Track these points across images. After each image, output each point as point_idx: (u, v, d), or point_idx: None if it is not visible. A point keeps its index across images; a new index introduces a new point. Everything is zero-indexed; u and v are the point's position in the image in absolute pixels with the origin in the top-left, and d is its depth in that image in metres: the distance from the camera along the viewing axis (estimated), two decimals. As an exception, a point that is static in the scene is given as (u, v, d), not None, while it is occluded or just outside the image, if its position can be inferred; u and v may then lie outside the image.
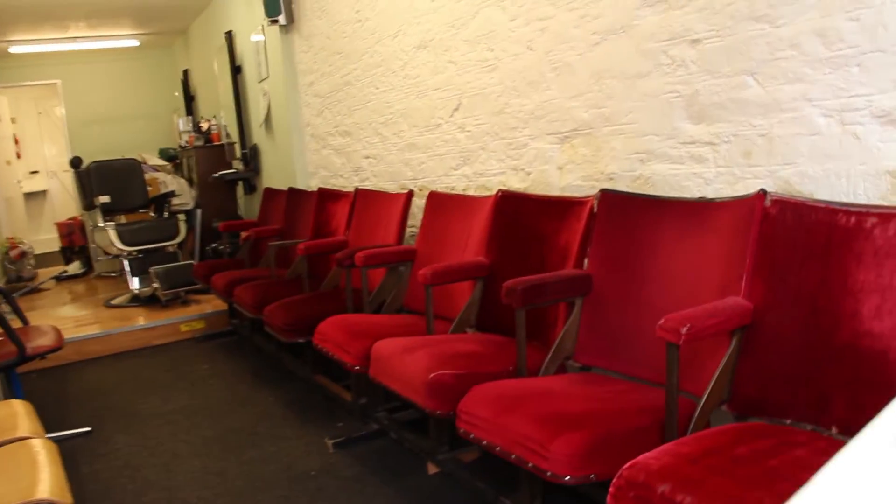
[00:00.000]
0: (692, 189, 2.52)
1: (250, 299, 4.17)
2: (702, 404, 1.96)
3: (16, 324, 4.06)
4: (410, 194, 3.82)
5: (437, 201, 3.57)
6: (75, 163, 6.88)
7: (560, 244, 2.76)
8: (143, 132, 9.41)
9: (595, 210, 2.61)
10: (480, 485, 2.59)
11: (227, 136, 7.06)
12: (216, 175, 6.82)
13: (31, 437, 2.39)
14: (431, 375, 2.35)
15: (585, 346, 2.51)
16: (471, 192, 3.66)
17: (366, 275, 3.49)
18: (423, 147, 4.07)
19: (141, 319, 5.69)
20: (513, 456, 1.96)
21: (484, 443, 2.07)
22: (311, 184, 5.67)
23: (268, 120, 6.24)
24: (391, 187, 4.44)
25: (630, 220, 2.48)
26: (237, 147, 6.97)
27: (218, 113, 7.38)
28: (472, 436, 2.12)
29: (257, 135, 6.64)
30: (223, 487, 3.09)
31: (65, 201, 11.28)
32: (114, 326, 5.50)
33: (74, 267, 8.25)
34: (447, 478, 2.97)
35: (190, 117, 8.18)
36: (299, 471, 3.17)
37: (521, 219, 2.97)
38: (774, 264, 2.00)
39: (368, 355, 2.85)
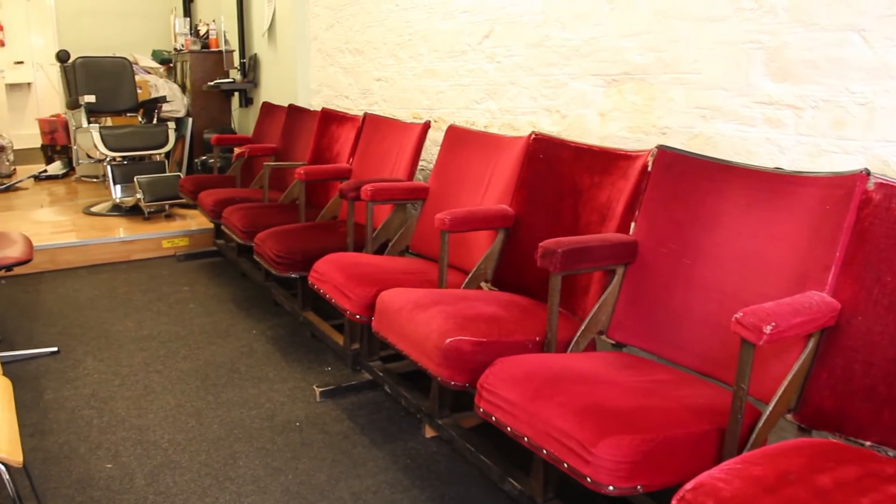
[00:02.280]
0: (762, 156, 2.20)
1: (240, 223, 3.84)
2: (768, 412, 1.68)
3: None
4: (427, 126, 3.47)
5: (457, 136, 3.23)
6: (62, 56, 6.41)
7: (599, 201, 2.44)
8: (137, 31, 8.88)
9: (649, 168, 2.28)
10: (485, 459, 2.32)
11: (226, 42, 6.60)
12: (211, 84, 6.39)
13: (-17, 370, 2.09)
14: (448, 341, 2.06)
15: (622, 321, 2.22)
16: (493, 130, 3.32)
17: (371, 210, 3.16)
18: (444, 75, 3.70)
19: (121, 231, 5.34)
20: (544, 451, 1.68)
21: (509, 429, 1.79)
22: (313, 102, 5.28)
23: (271, 29, 5.79)
24: (402, 115, 4.08)
25: (689, 185, 2.16)
26: (236, 55, 6.52)
27: (218, 17, 6.90)
28: (494, 418, 1.84)
29: (259, 44, 6.19)
30: (198, 432, 2.82)
31: (50, 96, 10.75)
32: (91, 236, 5.15)
33: (55, 167, 7.84)
34: (446, 445, 2.71)
35: (187, 19, 7.67)
36: (283, 420, 2.90)
37: (556, 167, 2.64)
38: (870, 260, 1.70)
39: (372, 305, 2.56)
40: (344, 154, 4.12)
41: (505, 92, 3.26)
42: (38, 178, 7.77)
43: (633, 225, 2.27)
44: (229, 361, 3.45)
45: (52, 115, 8.48)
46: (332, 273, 2.81)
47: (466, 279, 2.72)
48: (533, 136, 2.77)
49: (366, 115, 4.01)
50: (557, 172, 2.63)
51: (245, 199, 4.38)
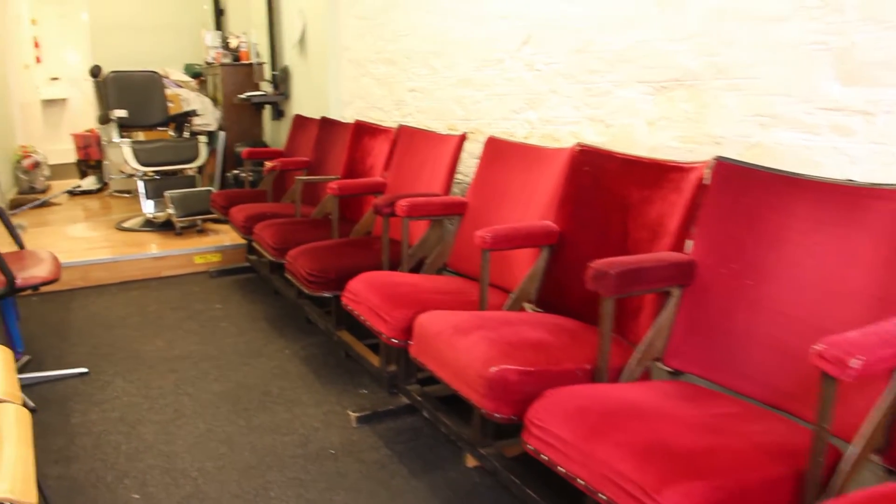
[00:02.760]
0: (830, 167, 2.03)
1: (271, 239, 3.74)
2: (853, 454, 1.51)
3: (13, 247, 3.66)
4: (463, 138, 3.33)
5: (497, 149, 3.08)
6: (95, 71, 6.38)
7: (649, 217, 2.29)
8: (169, 45, 8.86)
9: (706, 181, 2.12)
10: (532, 493, 2.17)
11: (257, 55, 6.53)
12: (242, 96, 6.32)
13: (2, 402, 1.98)
14: (493, 370, 1.91)
15: (680, 347, 2.06)
16: (533, 141, 3.17)
17: (407, 226, 3.03)
18: (480, 84, 3.56)
19: (153, 247, 5.27)
20: (602, 496, 1.52)
21: (562, 470, 1.64)
22: (346, 114, 5.18)
23: (302, 40, 5.71)
24: (437, 126, 3.95)
25: (752, 199, 2.00)
26: (266, 68, 6.45)
27: (248, 29, 6.85)
28: (545, 458, 1.69)
29: (289, 56, 6.12)
30: (228, 459, 2.70)
31: (86, 111, 10.80)
32: (123, 252, 5.09)
33: (89, 182, 7.83)
34: (488, 475, 2.56)
35: (219, 32, 7.64)
36: (317, 447, 2.77)
37: (602, 180, 2.48)
38: (965, 279, 1.53)
39: (410, 328, 2.42)
40: (378, 167, 4.00)
41: (545, 101, 3.11)
42: (72, 193, 7.77)
43: (688, 243, 2.11)
44: (262, 383, 3.34)
45: (86, 131, 8.49)
46: (366, 293, 2.68)
47: (509, 300, 2.57)
48: (578, 147, 2.62)
49: (400, 128, 3.89)
50: (604, 186, 2.47)
51: (277, 214, 4.27)
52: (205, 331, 4.02)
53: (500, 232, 2.48)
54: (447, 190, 3.30)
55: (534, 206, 2.74)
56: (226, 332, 4.01)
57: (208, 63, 7.21)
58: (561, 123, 3.03)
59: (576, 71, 2.93)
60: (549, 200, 2.64)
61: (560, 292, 2.54)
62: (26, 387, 3.33)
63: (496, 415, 1.92)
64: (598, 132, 2.84)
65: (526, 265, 2.63)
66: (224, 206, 4.71)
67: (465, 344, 2.06)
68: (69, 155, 8.88)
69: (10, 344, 3.70)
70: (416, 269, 3.18)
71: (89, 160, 8.34)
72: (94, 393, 3.28)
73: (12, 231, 3.52)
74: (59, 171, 9.68)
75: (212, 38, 7.26)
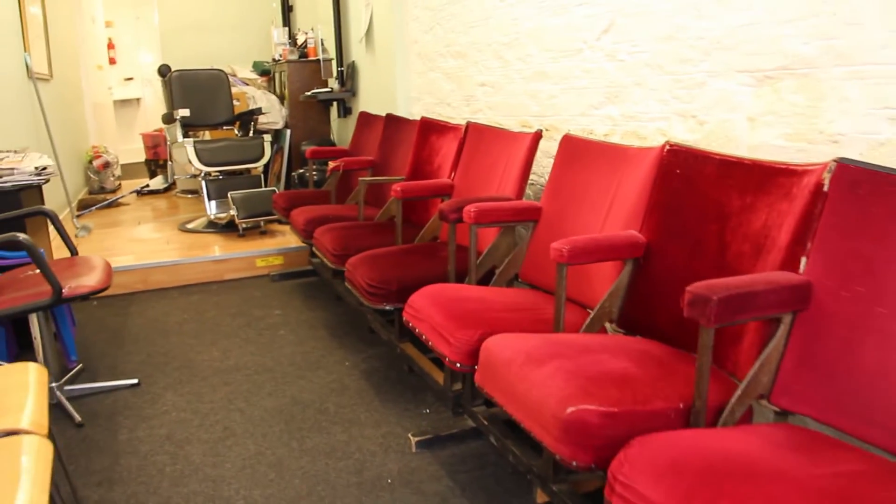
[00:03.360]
0: (982, 169, 1.68)
1: (331, 245, 3.52)
2: None
3: (65, 252, 3.53)
4: (538, 135, 3.04)
5: (574, 148, 2.79)
6: (163, 71, 6.31)
7: (752, 228, 1.97)
8: (238, 43, 8.79)
9: (825, 188, 1.79)
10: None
11: (324, 51, 6.35)
12: (308, 94, 6.15)
13: (25, 433, 1.79)
14: (569, 410, 1.63)
15: (791, 384, 1.74)
16: (614, 139, 2.87)
17: (475, 233, 2.77)
18: (556, 77, 3.27)
19: (215, 249, 5.13)
20: (707, 583, 1.23)
21: (655, 542, 1.35)
22: (413, 111, 4.94)
23: (369, 34, 5.49)
24: (509, 123, 3.67)
25: (884, 210, 1.66)
26: (333, 64, 6.27)
27: (316, 25, 6.68)
28: (633, 525, 1.40)
29: (356, 51, 5.92)
30: (277, 486, 2.48)
31: (157, 111, 10.90)
32: (184, 255, 4.96)
33: (157, 182, 7.80)
34: (562, 517, 2.27)
35: (286, 28, 7.51)
36: (373, 474, 2.53)
37: (696, 184, 2.17)
38: None
39: (476, 351, 2.15)
40: (445, 168, 3.74)
41: (629, 95, 2.80)
42: (140, 192, 7.75)
43: (803, 261, 1.78)
44: (318, 399, 3.12)
45: (155, 130, 8.49)
46: (429, 310, 2.42)
47: (588, 319, 2.28)
48: (667, 146, 2.30)
49: (468, 125, 3.62)
50: (698, 191, 2.16)
51: (339, 217, 4.06)
52: (262, 339, 3.83)
53: (579, 244, 2.18)
54: (520, 193, 3.02)
55: (616, 212, 2.44)
56: (284, 340, 3.81)
57: (275, 60, 7.07)
58: (647, 119, 2.72)
59: (664, 60, 2.61)
60: (634, 207, 2.34)
61: (646, 311, 2.23)
62: (75, 398, 3.19)
63: (574, 462, 1.63)
64: (690, 129, 2.52)
65: (608, 279, 2.33)
66: (285, 208, 4.53)
67: (538, 377, 1.78)
68: (140, 154, 8.90)
69: (64, 352, 3.58)
70: (485, 279, 2.92)
71: (158, 159, 8.33)
72: (144, 407, 3.11)
73: (64, 237, 3.38)
74: (130, 170, 9.75)
75: (279, 34, 7.12)
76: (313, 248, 3.88)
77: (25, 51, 5.47)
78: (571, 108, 3.15)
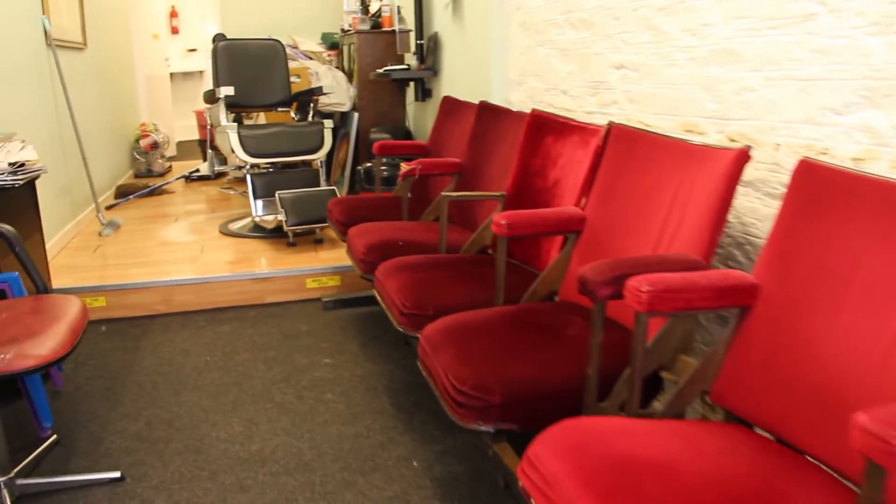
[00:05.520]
0: None
1: (400, 299, 2.44)
2: None
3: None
4: (745, 157, 1.87)
5: (817, 181, 1.62)
6: (217, 40, 5.32)
7: None
8: (305, 11, 7.76)
9: None
10: None
11: (401, 20, 5.25)
12: (380, 71, 5.07)
13: None
14: None
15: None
16: (881, 168, 1.71)
17: (644, 325, 1.64)
18: (756, 59, 2.10)
19: (261, 262, 4.12)
20: None
21: None
22: (514, 98, 3.81)
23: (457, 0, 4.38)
24: (664, 125, 2.52)
25: None
26: (411, 36, 5.16)
27: (393, -10, 5.59)
28: None
29: (440, 21, 4.81)
30: None
31: (218, 84, 10.04)
32: (218, 271, 3.95)
33: (206, 167, 6.86)
34: None
35: (359, -6, 6.44)
36: None
37: None
38: None
39: None
40: (567, 185, 2.61)
41: (912, 91, 1.64)
42: (188, 178, 6.82)
43: None
44: (372, 530, 2.06)
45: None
46: (559, 473, 1.31)
47: None
48: None
49: (611, 126, 2.47)
50: None
51: (412, 243, 2.98)
52: (302, 408, 2.79)
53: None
54: (709, 249, 1.84)
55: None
56: (331, 412, 2.76)
57: (344, 31, 6.02)
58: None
59: None
60: None
61: None
62: (28, 499, 2.21)
63: None
64: None
65: None
66: (342, 223, 3.47)
67: None
68: (196, 132, 8.01)
69: (34, 417, 2.62)
70: (649, 391, 1.80)
71: (212, 140, 7.40)
72: (118, 526, 2.11)
73: (28, 268, 2.39)
74: (186, 149, 8.88)
75: (351, 1, 6.07)
76: (375, 292, 2.78)
77: (44, 13, 4.53)
78: (786, 111, 1.99)
